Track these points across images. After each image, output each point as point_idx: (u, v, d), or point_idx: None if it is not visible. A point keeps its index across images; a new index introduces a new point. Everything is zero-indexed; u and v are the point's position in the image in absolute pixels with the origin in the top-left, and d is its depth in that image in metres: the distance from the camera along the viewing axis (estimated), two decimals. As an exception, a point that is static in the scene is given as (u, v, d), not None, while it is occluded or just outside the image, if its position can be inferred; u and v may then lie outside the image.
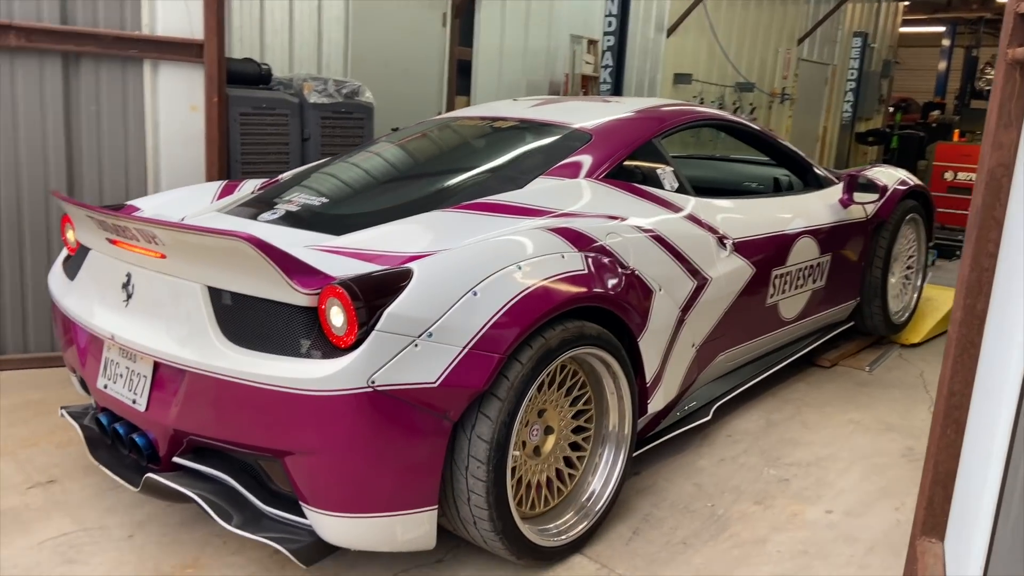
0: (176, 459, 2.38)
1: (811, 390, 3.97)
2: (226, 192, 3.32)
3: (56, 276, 2.94)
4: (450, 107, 7.41)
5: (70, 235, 2.88)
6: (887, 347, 4.69)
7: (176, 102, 3.97)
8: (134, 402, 2.40)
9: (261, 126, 4.31)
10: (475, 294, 2.19)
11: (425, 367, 2.08)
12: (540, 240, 2.47)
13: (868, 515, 2.81)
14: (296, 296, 2.08)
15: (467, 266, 2.26)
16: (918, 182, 4.63)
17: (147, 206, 3.12)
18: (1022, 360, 1.56)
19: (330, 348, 2.05)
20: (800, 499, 2.90)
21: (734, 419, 3.57)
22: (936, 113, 18.38)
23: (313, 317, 2.10)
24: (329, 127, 4.59)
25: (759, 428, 3.49)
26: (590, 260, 2.54)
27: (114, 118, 3.85)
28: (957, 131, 11.94)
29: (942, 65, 21.81)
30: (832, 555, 2.57)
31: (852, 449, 3.31)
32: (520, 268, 2.32)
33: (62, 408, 2.89)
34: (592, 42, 8.18)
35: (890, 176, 4.52)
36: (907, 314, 4.70)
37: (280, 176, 3.49)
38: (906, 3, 15.89)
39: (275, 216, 2.84)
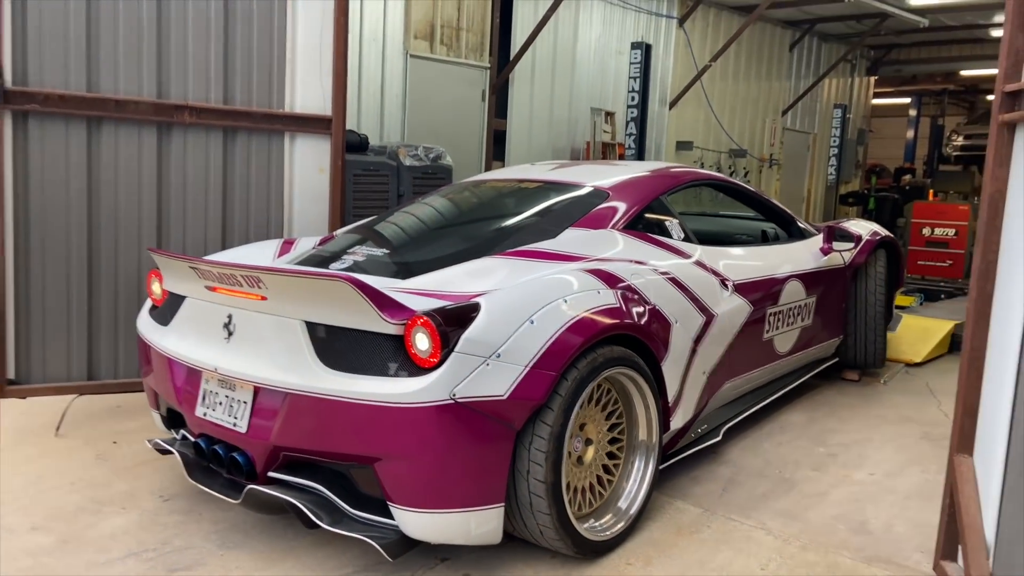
0: (271, 474, 2.70)
1: (840, 396, 4.78)
2: (285, 248, 3.77)
3: (146, 322, 3.31)
4: (488, 170, 8.32)
5: (156, 287, 3.29)
6: (894, 366, 5.51)
7: (308, 166, 4.77)
8: (234, 425, 2.72)
9: (369, 185, 5.14)
10: (532, 322, 2.56)
11: (496, 382, 2.44)
12: (580, 279, 2.86)
13: (901, 476, 3.59)
14: (386, 326, 2.43)
15: (524, 300, 2.63)
16: (888, 233, 5.17)
17: (220, 260, 3.41)
18: (1020, 324, 2.36)
19: (414, 368, 2.40)
20: (847, 467, 3.68)
21: (782, 416, 4.35)
22: (908, 177, 19.65)
23: (399, 343, 2.45)
24: (419, 185, 5.43)
25: (804, 421, 4.28)
26: (621, 296, 2.93)
27: (260, 180, 4.65)
28: (932, 191, 12.98)
29: (910, 133, 23.16)
30: (878, 501, 3.34)
31: (881, 434, 4.11)
32: (566, 301, 2.70)
33: (148, 440, 3.26)
34: (609, 114, 9.19)
35: (864, 228, 5.03)
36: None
37: (334, 233, 4.06)
38: (876, 77, 17.25)
39: (344, 266, 3.23)
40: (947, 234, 10.41)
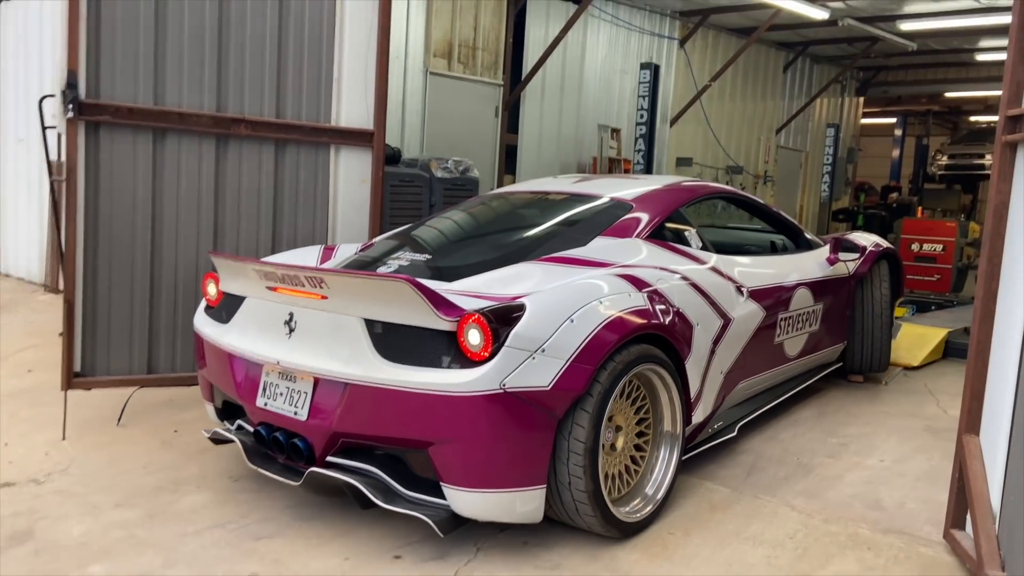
0: (329, 458, 2.93)
1: (847, 395, 5.14)
2: (326, 254, 4.00)
3: (203, 321, 3.54)
4: (500, 183, 8.67)
5: (211, 289, 3.52)
6: (894, 370, 5.88)
7: (351, 177, 5.08)
8: (295, 413, 2.94)
9: (404, 195, 5.47)
10: (572, 321, 2.79)
11: (541, 374, 2.67)
12: (612, 282, 3.09)
13: (909, 462, 3.95)
14: (441, 323, 2.66)
15: (564, 300, 2.86)
16: (889, 245, 5.42)
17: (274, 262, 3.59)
18: (1022, 319, 2.72)
19: (466, 361, 2.63)
20: (858, 454, 4.03)
21: (794, 411, 4.70)
22: (894, 195, 20.24)
23: (452, 338, 2.67)
24: (449, 195, 5.76)
25: (816, 415, 4.63)
26: (648, 299, 3.15)
27: (308, 189, 4.96)
28: (920, 208, 13.44)
29: (895, 152, 23.79)
30: (889, 483, 3.69)
31: (888, 427, 4.46)
32: (601, 303, 2.92)
33: (205, 431, 3.50)
34: (615, 130, 9.58)
35: (867, 239, 5.30)
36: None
37: (373, 240, 4.34)
38: (864, 98, 17.79)
39: (391, 270, 3.45)
40: (935, 249, 10.81)
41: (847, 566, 2.93)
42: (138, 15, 4.31)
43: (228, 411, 3.55)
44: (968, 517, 2.96)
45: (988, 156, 16.08)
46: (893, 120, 22.66)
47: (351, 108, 5.02)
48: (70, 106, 4.17)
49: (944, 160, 16.99)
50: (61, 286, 7.95)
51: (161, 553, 2.92)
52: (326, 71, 4.89)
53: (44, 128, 6.35)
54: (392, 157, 5.62)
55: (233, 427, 3.45)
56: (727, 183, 12.48)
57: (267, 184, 4.83)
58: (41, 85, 8.38)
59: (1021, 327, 2.74)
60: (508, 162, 8.93)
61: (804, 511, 3.37)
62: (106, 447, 3.96)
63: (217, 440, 3.47)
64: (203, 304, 3.66)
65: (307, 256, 4.02)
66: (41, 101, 6.47)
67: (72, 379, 4.29)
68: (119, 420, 4.31)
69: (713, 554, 2.99)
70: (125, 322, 4.47)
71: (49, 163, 6.47)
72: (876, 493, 3.58)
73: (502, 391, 2.60)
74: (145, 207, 4.46)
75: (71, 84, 4.15)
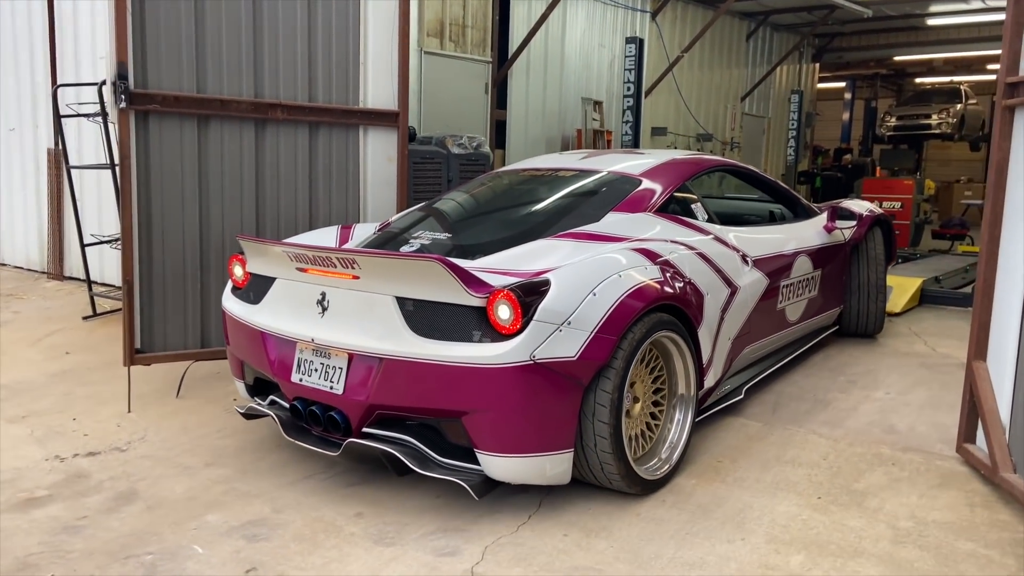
0: (365, 429, 3.05)
1: (843, 341, 5.62)
2: (344, 235, 4.10)
3: (232, 302, 3.64)
4: (491, 157, 8.97)
5: (238, 271, 3.63)
6: (878, 318, 6.39)
7: (378, 156, 5.36)
8: (331, 388, 3.05)
9: (425, 171, 5.76)
10: (595, 294, 2.92)
11: (568, 345, 2.81)
12: (629, 256, 3.22)
13: (912, 393, 4.44)
14: (471, 299, 2.77)
15: (586, 275, 2.98)
16: (881, 211, 5.61)
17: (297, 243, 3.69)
18: (1022, 258, 3.16)
19: (496, 335, 2.76)
20: (867, 388, 4.51)
21: (801, 356, 5.15)
22: (848, 156, 20.99)
23: (482, 314, 2.78)
24: (464, 170, 6.07)
25: (822, 360, 5.12)
26: (662, 270, 3.29)
27: (340, 168, 5.23)
28: (878, 168, 14.06)
29: (845, 115, 24.51)
30: (899, 411, 4.17)
31: (887, 365, 4.96)
32: (620, 276, 3.05)
33: (237, 408, 3.65)
34: (597, 103, 9.94)
35: (861, 206, 5.49)
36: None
37: (389, 219, 4.55)
38: (819, 64, 18.40)
39: (414, 248, 3.59)
40: (894, 207, 11.33)
41: (877, 478, 3.38)
42: (179, 10, 4.52)
43: (259, 387, 3.69)
44: (979, 432, 3.43)
45: (934, 116, 16.73)
46: (843, 84, 23.36)
47: (377, 90, 5.29)
48: (122, 96, 4.37)
49: (892, 121, 17.61)
50: (65, 273, 8.12)
51: (267, 502, 3.21)
52: (353, 56, 5.15)
53: (60, 117, 6.51)
54: (410, 136, 5.90)
55: (265, 403, 3.57)
56: (698, 150, 12.94)
57: (303, 164, 5.09)
58: (33, 76, 8.42)
59: (1022, 266, 3.19)
60: (498, 137, 9.24)
61: (830, 437, 3.82)
62: (174, 417, 4.22)
63: (250, 416, 3.59)
64: (229, 285, 3.77)
65: (325, 237, 4.11)
66: (56, 91, 6.62)
67: (134, 355, 4.54)
68: (178, 393, 4.57)
69: (760, 476, 3.41)
70: (179, 299, 4.71)
71: (65, 151, 6.64)
72: (889, 420, 4.05)
73: (532, 362, 2.74)
74: (193, 190, 4.70)
75: (122, 75, 4.35)
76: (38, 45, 8.30)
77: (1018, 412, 3.14)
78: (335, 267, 3.03)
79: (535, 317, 2.76)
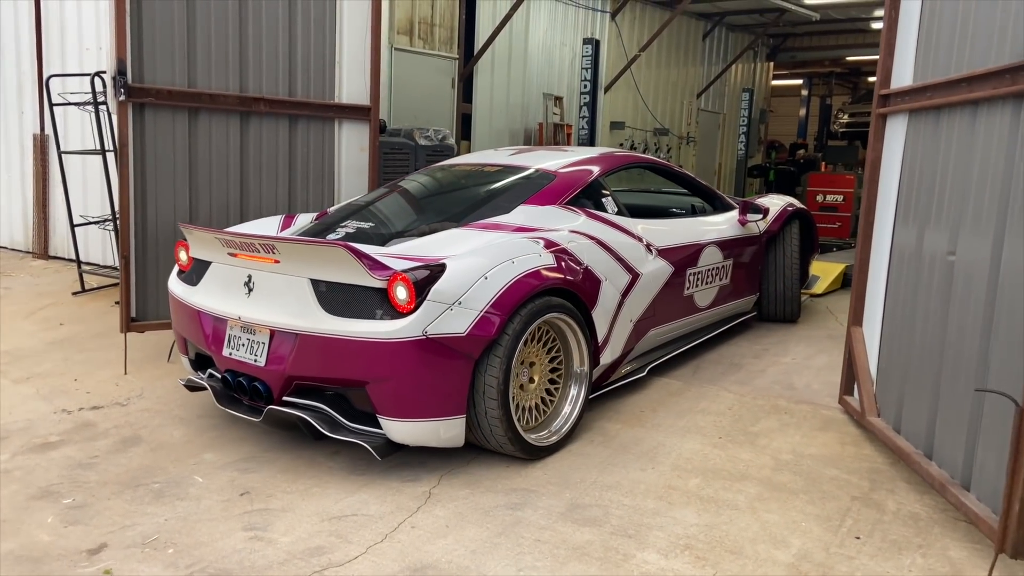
0: (285, 398, 3.36)
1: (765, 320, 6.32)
2: (287, 223, 4.44)
3: (176, 284, 3.96)
4: (457, 149, 9.55)
5: (183, 255, 3.95)
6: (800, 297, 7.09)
7: (351, 146, 5.91)
8: (255, 360, 3.36)
9: (394, 161, 6.32)
10: (486, 278, 3.22)
11: (458, 323, 3.11)
12: (524, 244, 3.52)
13: (815, 359, 5.13)
14: (373, 281, 3.08)
15: (480, 261, 3.29)
16: (801, 205, 5.96)
17: (237, 230, 4.15)
18: (888, 240, 3.82)
19: (395, 313, 3.07)
20: (776, 355, 5.19)
21: (730, 331, 5.82)
22: (801, 152, 21.80)
23: (383, 294, 3.10)
24: (430, 160, 6.63)
25: (744, 332, 5.78)
26: (558, 257, 3.59)
27: (316, 158, 5.77)
28: (824, 163, 14.80)
29: (802, 112, 25.31)
30: (800, 372, 4.86)
31: (798, 336, 5.66)
32: (513, 262, 3.35)
33: (181, 380, 3.99)
34: (558, 98, 10.56)
35: (780, 201, 5.82)
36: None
37: (328, 210, 4.99)
38: (773, 62, 19.16)
39: (338, 236, 3.95)
40: (837, 200, 12.04)
41: (770, 424, 4.05)
42: (172, 10, 5.04)
43: (200, 362, 4.00)
44: (855, 386, 4.11)
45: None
46: (800, 81, 24.18)
47: (351, 86, 5.84)
48: (121, 89, 4.87)
49: (845, 118, 18.32)
50: (50, 252, 8.56)
51: (255, 444, 3.74)
52: (329, 54, 5.70)
53: (52, 105, 6.96)
54: (381, 128, 6.45)
55: (205, 375, 3.88)
56: (655, 145, 13.62)
57: (283, 153, 5.63)
58: (19, 65, 8.81)
59: (887, 246, 3.85)
60: (464, 129, 9.81)
61: (738, 393, 4.49)
62: (166, 377, 4.74)
63: (191, 387, 3.92)
64: (175, 269, 4.09)
65: (268, 226, 4.45)
66: (47, 81, 7.08)
67: (130, 323, 5.06)
68: (168, 357, 5.09)
69: (675, 421, 4.06)
70: (168, 271, 5.23)
71: (57, 137, 7.09)
72: (790, 379, 4.73)
73: (424, 337, 3.06)
74: (183, 175, 5.22)
75: (121, 71, 4.86)
76: (24, 35, 8.69)
77: (883, 367, 3.81)
78: (259, 252, 3.36)
79: (428, 297, 3.08)
